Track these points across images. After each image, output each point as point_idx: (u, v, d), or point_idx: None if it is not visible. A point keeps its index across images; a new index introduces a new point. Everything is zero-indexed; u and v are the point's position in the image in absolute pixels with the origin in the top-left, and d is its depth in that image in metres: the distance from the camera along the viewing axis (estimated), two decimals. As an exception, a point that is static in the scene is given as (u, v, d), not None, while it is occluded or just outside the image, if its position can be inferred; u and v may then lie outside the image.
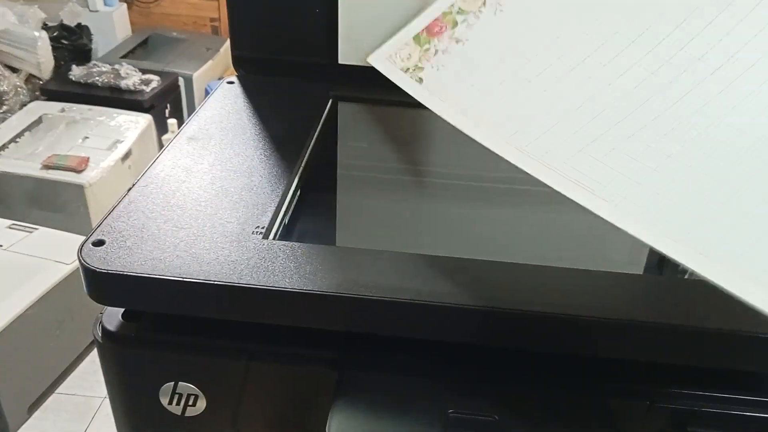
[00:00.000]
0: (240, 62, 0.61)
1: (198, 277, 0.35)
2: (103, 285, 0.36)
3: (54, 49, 2.43)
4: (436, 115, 0.55)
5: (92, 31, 2.69)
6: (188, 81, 2.60)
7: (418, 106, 0.57)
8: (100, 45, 2.73)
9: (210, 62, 2.74)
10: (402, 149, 0.51)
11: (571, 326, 0.34)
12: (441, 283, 0.35)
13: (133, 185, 0.43)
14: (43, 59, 2.36)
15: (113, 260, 0.36)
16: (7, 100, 2.26)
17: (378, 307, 0.34)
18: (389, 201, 0.44)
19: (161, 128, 2.26)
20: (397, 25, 0.58)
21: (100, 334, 0.38)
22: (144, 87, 2.36)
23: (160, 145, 2.25)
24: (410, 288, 0.35)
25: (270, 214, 0.41)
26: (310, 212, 0.45)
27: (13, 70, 2.35)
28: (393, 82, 0.60)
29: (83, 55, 2.57)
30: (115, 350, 0.38)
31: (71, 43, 2.54)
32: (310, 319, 0.36)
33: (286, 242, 0.38)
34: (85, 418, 1.51)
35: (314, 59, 0.61)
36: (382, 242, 0.40)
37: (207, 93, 2.56)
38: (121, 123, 2.16)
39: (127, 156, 2.05)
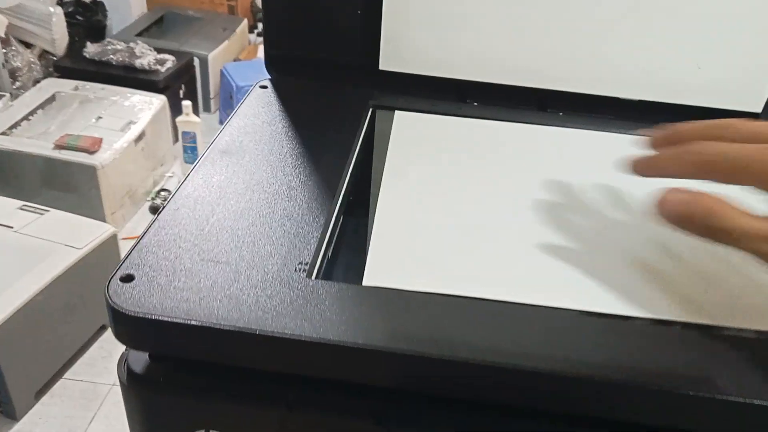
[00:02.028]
0: (274, 63, 0.57)
1: (237, 325, 0.31)
2: (133, 328, 0.32)
3: (69, 25, 2.39)
4: (484, 126, 0.51)
5: (107, 7, 2.64)
6: (203, 61, 2.56)
7: (466, 116, 0.53)
8: (114, 22, 2.69)
9: (226, 43, 2.70)
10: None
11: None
12: (510, 337, 0.32)
13: (163, 208, 0.39)
14: (57, 35, 2.33)
15: (144, 300, 0.32)
16: (20, 76, 2.23)
17: (434, 366, 0.31)
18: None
19: (175, 110, 2.23)
20: (443, 32, 0.54)
21: (125, 375, 0.35)
22: (159, 67, 2.32)
23: (174, 128, 2.22)
24: (471, 343, 0.31)
25: (313, 246, 0.37)
26: (356, 242, 0.42)
27: (27, 45, 2.32)
28: (436, 92, 0.56)
29: (98, 32, 2.53)
30: (141, 394, 0.35)
31: (86, 20, 2.50)
32: (357, 374, 0.32)
33: (332, 282, 0.35)
34: (93, 405, 1.49)
35: (352, 63, 0.57)
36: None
37: (222, 74, 2.52)
38: (135, 103, 2.12)
39: (140, 137, 2.02)
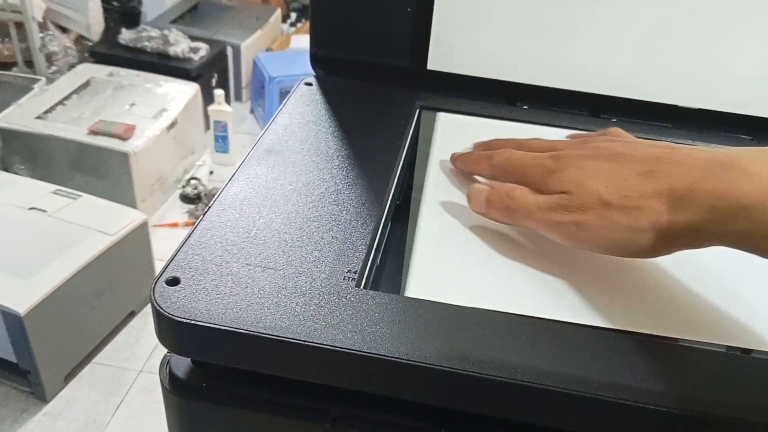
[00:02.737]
0: (318, 61, 0.56)
1: (286, 335, 0.30)
2: (178, 333, 0.31)
3: (104, 10, 2.40)
4: (533, 131, 0.49)
5: (143, -7, 2.65)
6: (236, 50, 2.56)
7: (515, 119, 0.52)
8: (149, 8, 2.70)
9: (259, 32, 2.70)
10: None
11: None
12: (569, 361, 0.30)
13: (209, 208, 0.38)
14: (93, 21, 2.34)
15: (190, 306, 0.31)
16: (56, 60, 2.25)
17: (488, 387, 0.30)
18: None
19: (207, 98, 2.23)
20: (494, 32, 0.52)
21: (167, 379, 0.34)
22: (192, 55, 2.33)
23: (206, 116, 2.23)
24: (528, 366, 0.30)
25: (362, 254, 0.36)
26: (404, 249, 0.40)
27: (64, 30, 2.34)
28: (485, 93, 0.54)
29: (133, 19, 2.54)
30: (182, 399, 0.34)
31: (121, 6, 2.51)
32: (407, 391, 0.31)
33: (382, 293, 0.33)
34: (120, 391, 1.50)
35: (399, 63, 0.55)
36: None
37: (255, 64, 2.52)
38: (168, 91, 2.13)
39: (172, 125, 2.02)
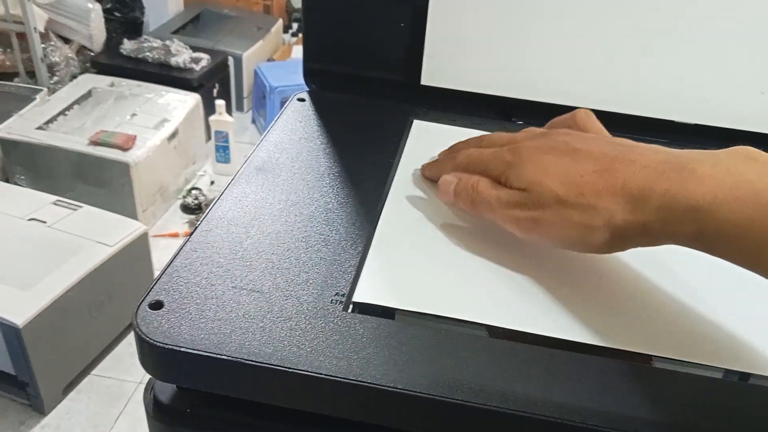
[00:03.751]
0: (312, 75, 0.56)
1: (269, 362, 0.30)
2: (160, 359, 0.31)
3: (106, 21, 2.41)
4: None
5: (144, 4, 2.66)
6: (238, 61, 2.56)
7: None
8: (151, 18, 2.71)
9: (260, 42, 2.70)
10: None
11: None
12: (559, 389, 0.30)
13: (196, 228, 0.38)
14: (95, 31, 2.35)
15: (173, 331, 0.31)
16: (58, 71, 2.25)
17: (482, 417, 0.29)
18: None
19: (209, 108, 2.23)
20: (489, 48, 0.52)
21: (151, 404, 0.34)
22: (193, 65, 2.33)
23: (207, 126, 2.23)
24: (519, 393, 0.29)
25: (350, 276, 0.35)
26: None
27: (66, 41, 2.34)
28: (479, 108, 0.54)
29: (135, 29, 2.55)
30: (166, 425, 0.33)
31: (123, 16, 2.52)
32: (395, 419, 0.30)
33: (370, 317, 0.33)
34: (119, 403, 1.50)
35: (393, 78, 0.55)
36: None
37: (256, 74, 2.52)
38: (169, 101, 2.13)
39: (173, 136, 2.02)
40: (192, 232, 0.38)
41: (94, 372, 1.55)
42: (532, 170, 0.36)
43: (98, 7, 2.38)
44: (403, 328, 0.32)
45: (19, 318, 1.27)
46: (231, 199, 0.41)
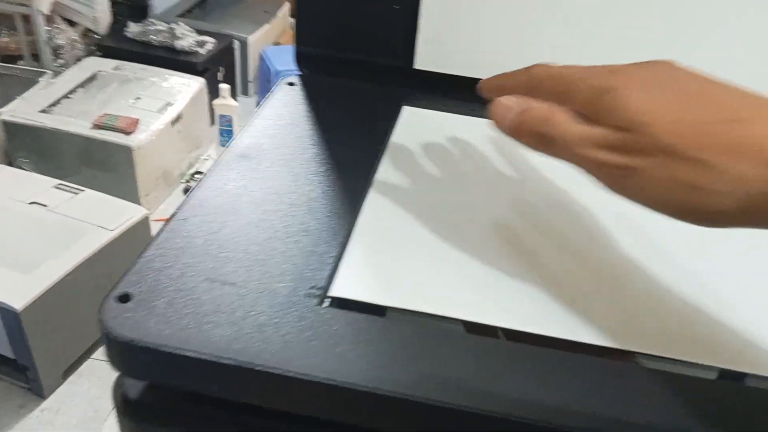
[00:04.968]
0: (304, 59, 0.54)
1: (237, 358, 0.28)
2: (126, 355, 0.30)
3: (112, 4, 2.39)
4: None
5: (150, -14, 2.64)
6: (243, 44, 2.54)
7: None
8: (157, 1, 2.68)
9: (267, 26, 2.67)
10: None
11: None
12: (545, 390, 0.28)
13: (172, 216, 0.36)
14: (100, 14, 2.33)
15: (139, 326, 0.29)
16: (62, 54, 2.24)
17: (467, 420, 0.27)
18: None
19: (214, 92, 2.21)
20: (483, 30, 0.50)
21: (119, 400, 0.32)
22: (199, 49, 2.31)
23: (211, 111, 2.21)
24: (501, 393, 0.28)
25: (329, 268, 0.34)
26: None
27: (71, 23, 2.32)
28: (472, 93, 0.52)
29: (140, 12, 2.53)
30: (135, 421, 0.32)
31: (129, -1, 2.50)
32: (371, 420, 0.29)
33: (346, 312, 0.31)
34: (119, 387, 1.50)
35: (386, 61, 0.53)
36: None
37: (262, 58, 2.50)
38: (173, 85, 2.11)
39: (177, 120, 2.01)
40: (167, 221, 0.36)
41: (94, 356, 1.55)
42: (638, 104, 0.28)
43: (103, -11, 2.37)
44: (380, 324, 0.31)
45: (18, 302, 1.27)
46: (211, 186, 0.39)
